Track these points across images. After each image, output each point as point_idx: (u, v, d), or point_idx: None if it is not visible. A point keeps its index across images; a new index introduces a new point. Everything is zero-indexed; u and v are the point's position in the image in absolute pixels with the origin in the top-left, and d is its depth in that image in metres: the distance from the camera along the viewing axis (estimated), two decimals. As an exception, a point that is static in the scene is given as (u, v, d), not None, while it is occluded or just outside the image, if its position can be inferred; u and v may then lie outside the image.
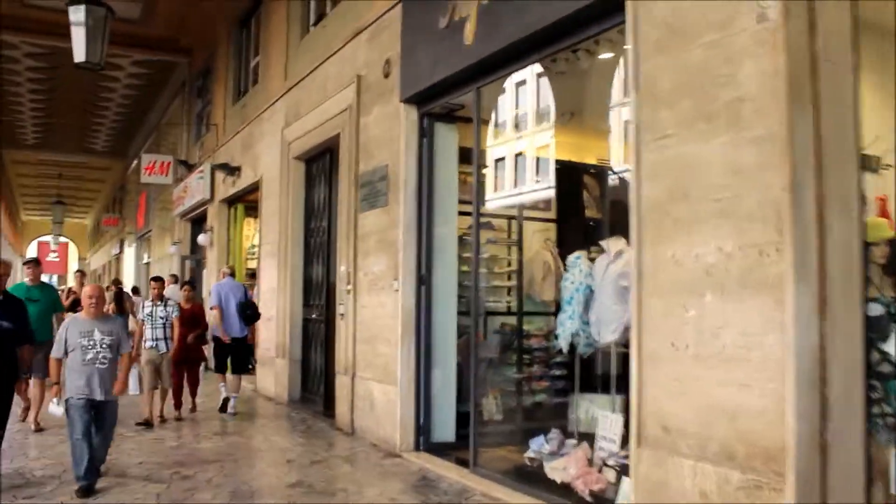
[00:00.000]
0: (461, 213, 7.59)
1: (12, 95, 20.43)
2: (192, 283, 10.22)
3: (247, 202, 14.15)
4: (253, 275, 13.82)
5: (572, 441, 5.85)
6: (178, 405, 9.19)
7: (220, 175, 14.25)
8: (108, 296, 9.72)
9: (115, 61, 17.43)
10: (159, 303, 8.94)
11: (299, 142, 10.23)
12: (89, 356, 5.65)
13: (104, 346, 5.70)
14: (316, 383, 10.03)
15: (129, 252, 29.38)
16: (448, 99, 6.82)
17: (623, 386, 5.76)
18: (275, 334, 10.89)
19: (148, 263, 24.25)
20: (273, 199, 11.29)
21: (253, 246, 14.65)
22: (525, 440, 6.43)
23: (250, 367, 12.76)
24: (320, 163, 10.11)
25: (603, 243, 5.66)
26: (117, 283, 14.20)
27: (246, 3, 13.32)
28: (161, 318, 8.84)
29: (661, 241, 4.20)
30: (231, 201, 14.49)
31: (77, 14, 9.47)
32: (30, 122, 23.59)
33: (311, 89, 9.77)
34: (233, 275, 10.83)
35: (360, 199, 8.16)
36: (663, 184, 4.20)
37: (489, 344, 7.58)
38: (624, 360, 5.81)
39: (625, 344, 5.59)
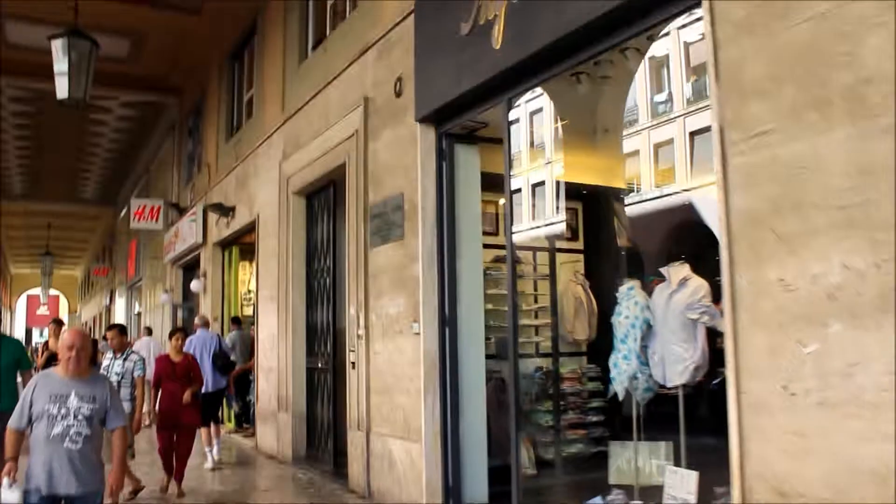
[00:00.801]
0: (484, 246, 6.88)
1: (-3, 143, 19.75)
2: (185, 331, 8.85)
3: (242, 244, 13.36)
4: (235, 320, 12.87)
5: (636, 503, 5.00)
6: (171, 476, 7.54)
7: (213, 217, 13.46)
8: None
9: (102, 103, 16.85)
10: (120, 355, 7.22)
11: (299, 175, 9.48)
12: (57, 430, 4.02)
13: (80, 417, 4.07)
14: (324, 440, 9.11)
15: (120, 303, 28.49)
16: (472, 114, 6.06)
17: (692, 431, 5.00)
18: (276, 386, 10.00)
19: (139, 313, 23.36)
20: (271, 239, 10.51)
21: (249, 291, 13.79)
22: (567, 497, 5.59)
23: (241, 412, 12.16)
24: (323, 196, 9.34)
25: (663, 271, 4.90)
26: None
27: (238, 35, 12.67)
28: (117, 374, 7.00)
29: (762, 261, 3.43)
30: (225, 244, 13.69)
31: (60, 47, 8.76)
32: (16, 170, 22.87)
33: (312, 117, 9.05)
34: (206, 325, 10.53)
35: (370, 233, 7.38)
36: (761, 192, 3.44)
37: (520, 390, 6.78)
38: (685, 402, 5.05)
39: (695, 386, 4.85)
